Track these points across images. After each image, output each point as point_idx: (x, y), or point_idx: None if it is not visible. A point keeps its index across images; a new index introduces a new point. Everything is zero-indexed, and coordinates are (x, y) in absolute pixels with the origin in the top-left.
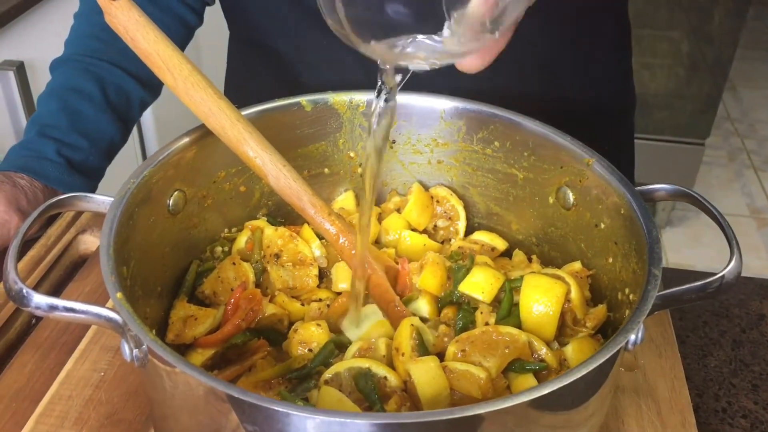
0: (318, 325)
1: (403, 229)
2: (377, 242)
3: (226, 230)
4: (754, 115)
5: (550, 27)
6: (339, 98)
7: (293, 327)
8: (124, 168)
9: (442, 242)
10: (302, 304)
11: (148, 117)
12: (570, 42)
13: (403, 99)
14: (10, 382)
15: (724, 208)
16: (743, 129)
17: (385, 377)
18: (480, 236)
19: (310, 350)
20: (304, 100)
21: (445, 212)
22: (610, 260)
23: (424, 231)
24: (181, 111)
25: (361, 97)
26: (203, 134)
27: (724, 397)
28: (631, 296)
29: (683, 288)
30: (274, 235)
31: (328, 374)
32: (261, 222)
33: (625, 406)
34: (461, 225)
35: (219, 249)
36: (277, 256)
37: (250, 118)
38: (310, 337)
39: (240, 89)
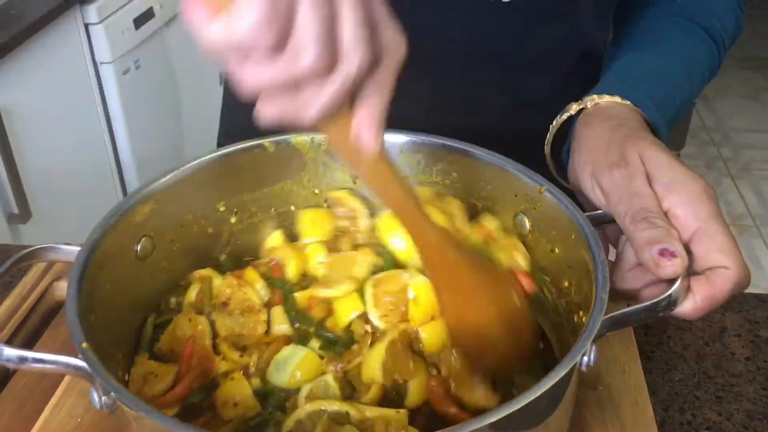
0: (232, 378)
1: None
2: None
3: (183, 280)
4: (728, 123)
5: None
6: (301, 138)
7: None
8: (105, 209)
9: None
10: (242, 356)
11: (127, 156)
12: (548, 80)
13: None
14: None
15: None
16: (718, 138)
17: (347, 412)
18: None
19: (235, 405)
20: (266, 142)
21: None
22: (566, 284)
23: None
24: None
25: (322, 136)
26: (170, 180)
27: (689, 409)
28: (584, 318)
29: (632, 309)
30: (222, 285)
31: (290, 423)
32: (208, 271)
33: (590, 424)
34: (363, 222)
35: (173, 300)
36: (225, 304)
37: (214, 161)
38: (230, 391)
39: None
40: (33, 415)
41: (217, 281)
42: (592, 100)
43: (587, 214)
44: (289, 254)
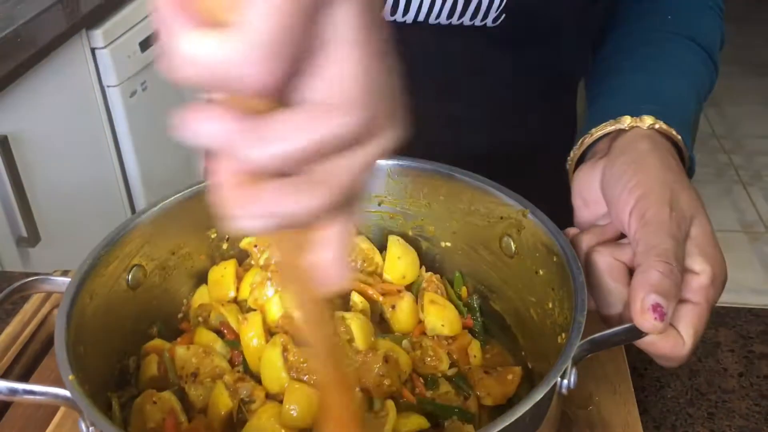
0: None
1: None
2: None
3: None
4: (739, 130)
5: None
6: None
7: None
8: (114, 225)
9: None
10: None
11: (135, 178)
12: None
13: None
14: None
15: (715, 224)
16: (729, 145)
17: None
18: None
19: None
20: None
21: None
22: (550, 305)
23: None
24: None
25: None
26: (160, 209)
27: (681, 427)
28: (566, 341)
29: (611, 331)
30: (186, 355)
31: None
32: (158, 342)
33: None
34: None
35: (131, 363)
36: (194, 375)
37: (203, 189)
38: None
39: None
40: None
41: (181, 351)
42: (634, 121)
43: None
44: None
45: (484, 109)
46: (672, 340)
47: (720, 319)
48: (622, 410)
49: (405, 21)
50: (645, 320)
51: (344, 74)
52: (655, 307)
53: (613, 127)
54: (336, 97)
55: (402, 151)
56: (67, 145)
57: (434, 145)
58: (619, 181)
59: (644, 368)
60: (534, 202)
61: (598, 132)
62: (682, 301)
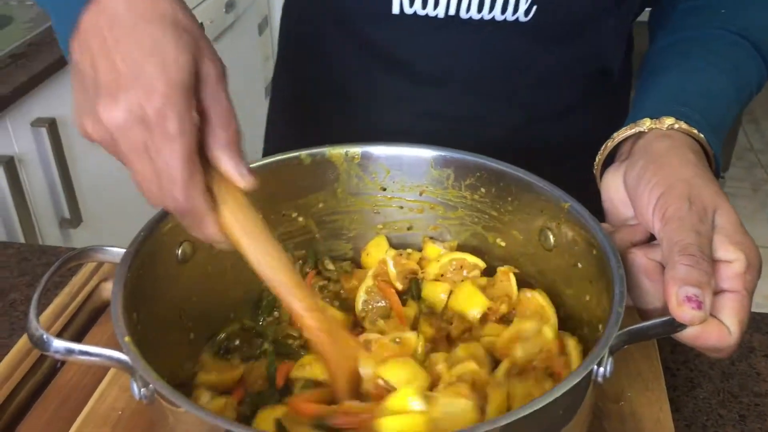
0: None
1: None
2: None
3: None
4: None
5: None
6: (335, 151)
7: None
8: (152, 214)
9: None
10: None
11: None
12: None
13: (395, 150)
14: (36, 422)
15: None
16: (767, 160)
17: None
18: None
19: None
20: (303, 154)
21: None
22: (588, 298)
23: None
24: None
25: (356, 150)
26: None
27: (712, 427)
28: (604, 331)
29: (649, 324)
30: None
31: None
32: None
33: None
34: None
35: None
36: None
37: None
38: None
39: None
40: (77, 407)
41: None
42: (653, 123)
43: None
44: None
45: (523, 106)
46: (716, 330)
47: (755, 325)
48: (654, 406)
49: (437, 15)
50: (683, 312)
51: None
52: (690, 298)
53: (633, 131)
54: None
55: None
56: None
57: (470, 141)
58: (641, 182)
59: (677, 368)
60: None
61: (619, 136)
62: (720, 291)
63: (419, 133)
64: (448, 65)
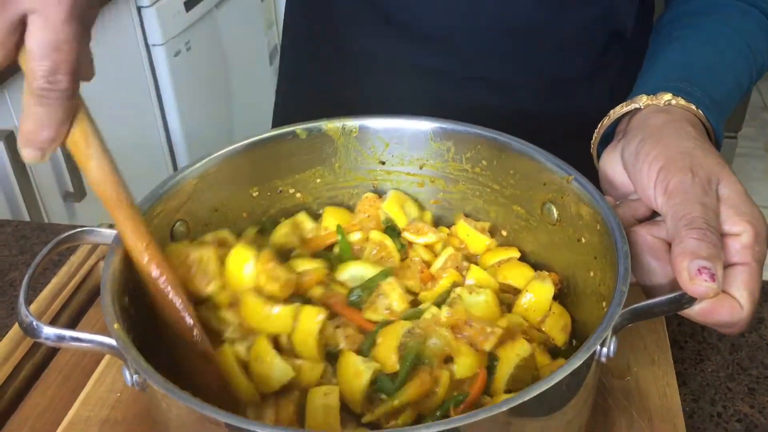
0: None
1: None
2: None
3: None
4: None
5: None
6: (332, 125)
7: None
8: (157, 181)
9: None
10: None
11: (178, 136)
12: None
13: (393, 123)
14: (34, 404)
15: (763, 199)
16: None
17: None
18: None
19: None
20: (298, 129)
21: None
22: (592, 274)
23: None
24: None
25: (353, 123)
26: (203, 166)
27: (720, 401)
28: (607, 309)
29: (654, 301)
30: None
31: None
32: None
33: (616, 413)
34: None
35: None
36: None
37: (247, 148)
38: None
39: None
40: (76, 389)
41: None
42: (649, 99)
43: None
44: None
45: (532, 72)
46: (727, 304)
47: (765, 295)
48: (660, 381)
49: None
50: (697, 285)
51: None
52: (702, 270)
53: (628, 107)
54: None
55: (444, 114)
56: (112, 102)
57: (478, 108)
58: (638, 158)
59: (684, 341)
60: (580, 171)
61: (615, 114)
62: (729, 265)
63: (423, 97)
64: (457, 28)
